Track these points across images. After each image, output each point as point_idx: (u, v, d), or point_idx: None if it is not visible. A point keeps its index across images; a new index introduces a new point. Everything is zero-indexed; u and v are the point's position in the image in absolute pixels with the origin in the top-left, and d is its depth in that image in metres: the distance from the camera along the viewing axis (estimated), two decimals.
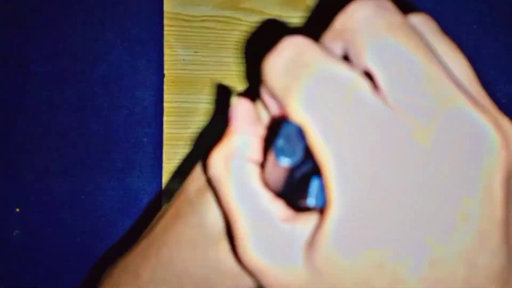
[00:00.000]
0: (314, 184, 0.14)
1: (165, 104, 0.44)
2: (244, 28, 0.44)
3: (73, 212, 0.45)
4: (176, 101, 0.44)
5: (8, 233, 0.45)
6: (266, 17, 0.44)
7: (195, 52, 0.44)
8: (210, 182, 0.21)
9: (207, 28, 0.44)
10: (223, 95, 0.44)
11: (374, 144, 0.13)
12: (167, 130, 0.44)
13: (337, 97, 0.13)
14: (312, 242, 0.14)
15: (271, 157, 0.15)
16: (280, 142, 0.14)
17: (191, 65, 0.44)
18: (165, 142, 0.44)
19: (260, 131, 0.18)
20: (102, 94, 0.45)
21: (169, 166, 0.44)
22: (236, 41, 0.44)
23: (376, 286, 0.13)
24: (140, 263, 0.24)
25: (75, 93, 0.45)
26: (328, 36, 0.17)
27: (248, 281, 0.21)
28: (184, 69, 0.44)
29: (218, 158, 0.18)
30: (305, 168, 0.15)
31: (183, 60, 0.44)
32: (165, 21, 0.44)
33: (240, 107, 0.18)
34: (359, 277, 0.13)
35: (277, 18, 0.44)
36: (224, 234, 0.21)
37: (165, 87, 0.44)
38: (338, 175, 0.13)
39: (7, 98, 0.45)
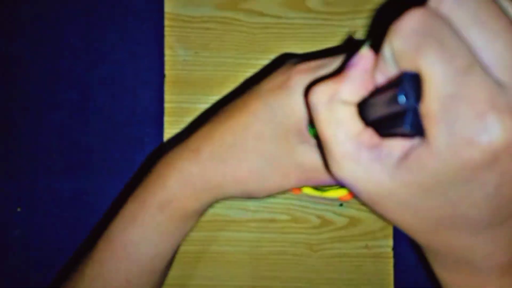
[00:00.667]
0: (409, 116, 0.17)
1: (165, 104, 0.44)
2: (244, 29, 0.45)
3: (74, 211, 0.45)
4: (176, 102, 0.44)
5: (9, 233, 0.45)
6: (266, 17, 0.44)
7: (196, 52, 0.44)
8: (307, 102, 0.23)
9: (208, 29, 0.44)
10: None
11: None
12: (168, 130, 0.44)
13: (458, 65, 0.16)
14: (412, 160, 0.18)
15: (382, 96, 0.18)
16: (405, 86, 0.17)
17: (192, 65, 0.44)
18: (165, 142, 0.44)
19: (369, 87, 0.20)
20: (103, 95, 0.45)
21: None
22: (236, 42, 0.45)
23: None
24: (203, 141, 0.27)
25: (76, 93, 0.45)
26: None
27: (290, 182, 0.25)
28: (185, 70, 0.44)
29: (323, 93, 0.20)
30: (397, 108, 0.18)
31: (184, 60, 0.44)
32: (166, 22, 0.44)
33: (365, 58, 0.20)
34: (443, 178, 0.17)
35: (277, 19, 0.45)
36: (291, 132, 0.24)
37: (165, 88, 0.44)
38: (444, 122, 0.16)
39: (7, 98, 0.45)
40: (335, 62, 0.24)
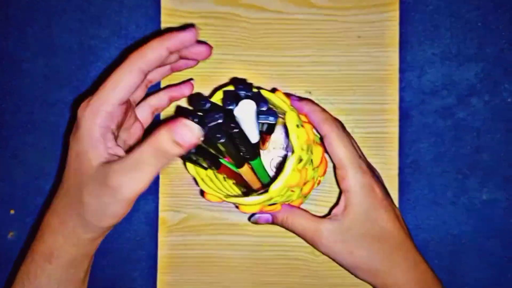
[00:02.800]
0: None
1: None
2: (243, 24, 0.43)
3: None
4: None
5: (3, 235, 0.45)
6: (267, 13, 0.43)
7: None
8: None
9: (206, 24, 0.43)
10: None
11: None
12: None
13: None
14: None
15: None
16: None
17: None
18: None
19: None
20: None
21: (166, 167, 0.43)
22: (235, 38, 0.43)
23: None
24: (60, 211, 0.32)
25: (70, 91, 0.44)
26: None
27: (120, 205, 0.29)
28: None
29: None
30: None
31: None
32: (162, 18, 0.43)
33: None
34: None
35: (278, 14, 0.43)
36: (93, 166, 0.29)
37: (162, 84, 0.43)
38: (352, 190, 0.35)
39: (0, 97, 0.44)
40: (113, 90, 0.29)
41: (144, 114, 0.36)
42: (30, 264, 0.32)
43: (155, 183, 0.43)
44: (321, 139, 0.37)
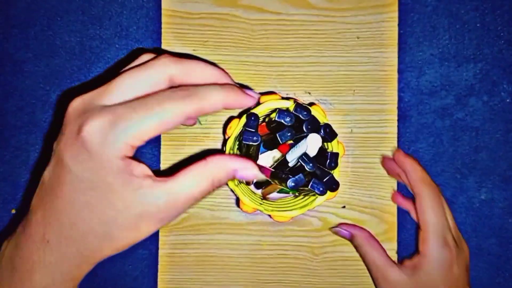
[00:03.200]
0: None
1: None
2: (243, 25, 0.43)
3: None
4: None
5: (4, 235, 0.45)
6: (266, 14, 0.43)
7: (194, 50, 0.44)
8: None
9: (206, 25, 0.43)
10: None
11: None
12: None
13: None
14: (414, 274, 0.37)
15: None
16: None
17: None
18: (162, 142, 0.43)
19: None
20: None
21: (166, 166, 0.43)
22: (235, 39, 0.44)
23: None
24: (45, 230, 0.26)
25: (72, 92, 0.45)
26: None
27: (141, 232, 0.25)
28: None
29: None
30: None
31: None
32: (163, 19, 0.43)
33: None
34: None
35: (277, 15, 0.43)
36: (116, 193, 0.24)
37: None
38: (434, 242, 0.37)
39: (1, 97, 0.45)
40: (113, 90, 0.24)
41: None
42: None
43: None
44: (413, 198, 0.39)
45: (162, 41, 0.43)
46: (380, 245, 0.40)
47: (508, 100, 0.44)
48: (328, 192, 0.33)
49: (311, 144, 0.34)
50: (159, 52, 0.34)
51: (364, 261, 0.40)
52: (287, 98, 0.36)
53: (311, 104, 0.40)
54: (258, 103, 0.34)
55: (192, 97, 0.23)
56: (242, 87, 0.28)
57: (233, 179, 0.25)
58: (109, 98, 0.24)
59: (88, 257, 0.26)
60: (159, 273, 0.44)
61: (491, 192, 0.44)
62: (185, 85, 0.24)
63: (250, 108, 0.34)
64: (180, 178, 0.24)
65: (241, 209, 0.37)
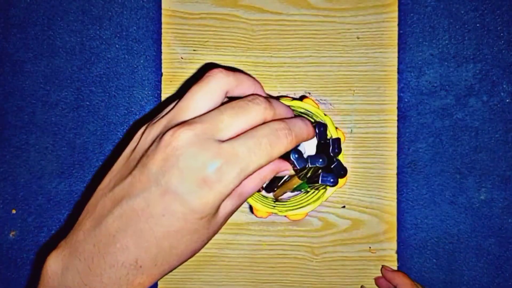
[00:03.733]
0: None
1: (163, 103, 0.44)
2: (243, 25, 0.44)
3: (69, 213, 0.45)
4: (174, 101, 0.43)
5: (5, 234, 0.45)
6: (266, 14, 0.43)
7: (194, 50, 0.44)
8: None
9: (206, 25, 0.44)
10: None
11: None
12: None
13: None
14: None
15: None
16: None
17: (189, 63, 0.44)
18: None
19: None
20: (99, 93, 0.44)
21: None
22: (235, 39, 0.44)
23: None
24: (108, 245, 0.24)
25: (72, 92, 0.45)
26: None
27: (205, 241, 0.25)
28: (182, 68, 0.43)
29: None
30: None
31: (181, 58, 0.43)
32: (163, 19, 0.43)
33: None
34: None
35: (277, 15, 0.43)
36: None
37: (163, 86, 0.44)
38: None
39: (2, 97, 0.45)
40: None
41: None
42: None
43: None
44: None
45: (162, 41, 0.43)
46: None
47: (507, 100, 0.44)
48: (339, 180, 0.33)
49: (308, 143, 0.33)
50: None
51: None
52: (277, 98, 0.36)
53: (303, 97, 0.40)
54: None
55: (292, 133, 0.25)
56: None
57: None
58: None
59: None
60: None
61: (491, 192, 0.44)
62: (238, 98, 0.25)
63: None
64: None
65: (256, 215, 0.37)
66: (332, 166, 0.32)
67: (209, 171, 0.22)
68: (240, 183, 0.23)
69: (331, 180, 0.32)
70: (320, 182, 0.31)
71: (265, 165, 0.24)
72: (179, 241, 0.24)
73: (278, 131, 0.24)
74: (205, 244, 0.25)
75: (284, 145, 0.24)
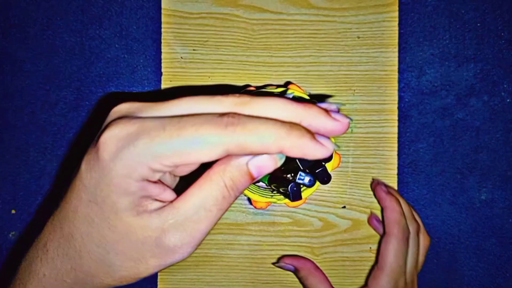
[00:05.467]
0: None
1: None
2: (243, 25, 0.43)
3: None
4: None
5: (4, 235, 0.45)
6: (266, 13, 0.43)
7: (194, 50, 0.43)
8: None
9: (206, 25, 0.43)
10: None
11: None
12: None
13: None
14: None
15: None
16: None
17: (190, 63, 0.43)
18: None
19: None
20: (99, 93, 0.44)
21: None
22: (235, 39, 0.43)
23: None
24: (48, 237, 0.24)
25: (71, 92, 0.44)
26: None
27: (147, 265, 0.22)
28: (182, 67, 0.43)
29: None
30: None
31: (181, 58, 0.43)
32: (163, 18, 0.43)
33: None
34: None
35: (277, 15, 0.43)
36: (120, 208, 0.20)
37: (162, 86, 0.43)
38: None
39: (1, 97, 0.45)
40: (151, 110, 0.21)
41: None
42: None
43: None
44: (382, 236, 0.40)
45: (162, 41, 0.43)
46: (325, 276, 0.41)
47: (508, 100, 0.44)
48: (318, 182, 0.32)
49: None
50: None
51: None
52: (262, 87, 0.35)
53: (288, 83, 0.40)
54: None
55: (238, 126, 0.19)
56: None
57: (251, 178, 0.21)
58: (154, 113, 0.20)
59: (83, 281, 0.23)
60: (159, 274, 0.44)
61: (491, 192, 0.44)
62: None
63: None
64: (187, 196, 0.21)
65: (255, 207, 0.37)
66: (316, 171, 0.30)
67: None
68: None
69: (309, 180, 0.29)
70: (297, 180, 0.29)
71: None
72: None
73: (218, 116, 0.19)
74: None
75: (215, 131, 0.19)
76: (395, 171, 0.43)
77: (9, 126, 0.45)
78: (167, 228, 0.20)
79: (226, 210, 0.21)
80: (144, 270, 0.22)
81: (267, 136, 0.19)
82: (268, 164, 0.20)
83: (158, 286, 0.44)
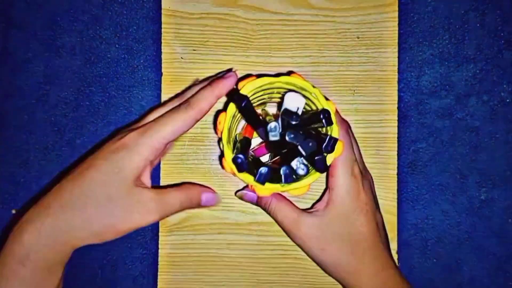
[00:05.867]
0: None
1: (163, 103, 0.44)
2: (243, 25, 0.44)
3: None
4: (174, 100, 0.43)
5: (4, 235, 0.45)
6: (266, 14, 0.43)
7: (194, 50, 0.44)
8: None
9: (206, 25, 0.44)
10: None
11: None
12: None
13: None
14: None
15: None
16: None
17: (190, 63, 0.43)
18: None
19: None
20: (99, 93, 0.44)
21: (166, 166, 0.43)
22: (235, 39, 0.44)
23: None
24: (53, 198, 0.32)
25: (72, 92, 0.45)
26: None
27: (138, 220, 0.32)
28: (182, 68, 0.43)
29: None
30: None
31: (181, 58, 0.43)
32: (163, 19, 0.43)
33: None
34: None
35: (277, 15, 0.43)
36: (129, 178, 0.32)
37: (163, 86, 0.44)
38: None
39: (2, 97, 0.45)
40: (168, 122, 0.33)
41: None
42: (2, 267, 0.30)
43: (156, 182, 0.44)
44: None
45: (162, 41, 0.43)
46: (287, 199, 0.38)
47: (508, 100, 0.44)
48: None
49: (290, 103, 0.33)
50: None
51: (276, 221, 0.38)
52: (262, 76, 0.35)
53: (290, 72, 0.40)
54: (236, 89, 0.35)
55: (192, 106, 0.33)
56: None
57: (198, 206, 0.35)
58: (149, 118, 0.35)
59: (77, 227, 0.31)
60: (159, 273, 0.44)
61: (491, 192, 0.44)
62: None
63: (232, 96, 0.34)
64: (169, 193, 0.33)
65: (259, 195, 0.36)
66: (316, 157, 0.31)
67: None
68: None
69: (302, 169, 0.32)
70: (292, 164, 0.32)
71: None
72: None
73: (179, 107, 0.33)
74: None
75: (183, 116, 0.33)
76: (395, 171, 0.43)
77: (10, 126, 0.45)
78: (151, 199, 0.32)
79: (183, 209, 0.34)
80: (132, 220, 0.31)
81: (208, 99, 0.33)
82: (212, 201, 0.36)
83: (158, 286, 0.44)
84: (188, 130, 0.33)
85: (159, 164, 0.44)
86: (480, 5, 0.44)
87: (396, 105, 0.43)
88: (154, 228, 0.44)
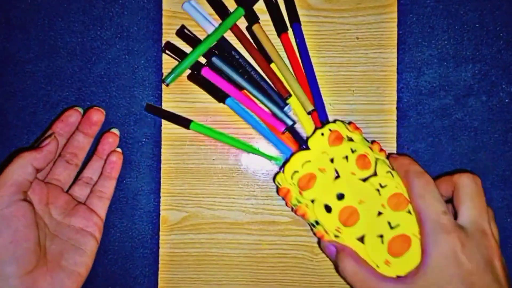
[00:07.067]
0: None
1: (163, 104, 0.44)
2: (243, 26, 0.44)
3: None
4: (174, 101, 0.44)
5: None
6: (266, 14, 0.44)
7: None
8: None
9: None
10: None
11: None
12: (166, 130, 0.44)
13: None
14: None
15: None
16: None
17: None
18: (163, 142, 0.44)
19: None
20: (100, 93, 0.45)
21: (167, 166, 0.44)
22: (235, 39, 0.44)
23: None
24: None
25: (73, 92, 0.45)
26: (444, 181, 0.36)
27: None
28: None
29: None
30: None
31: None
32: (164, 20, 0.44)
33: None
34: None
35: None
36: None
37: (163, 86, 0.44)
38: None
39: (3, 98, 0.45)
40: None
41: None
42: None
43: (156, 182, 0.44)
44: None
45: (163, 41, 0.44)
46: (366, 262, 0.34)
47: (507, 101, 0.44)
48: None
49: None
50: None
51: (350, 280, 0.33)
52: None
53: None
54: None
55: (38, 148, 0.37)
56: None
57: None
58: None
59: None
60: (159, 272, 0.44)
61: (490, 192, 0.44)
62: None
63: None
64: None
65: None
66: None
67: None
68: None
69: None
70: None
71: None
72: None
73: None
74: None
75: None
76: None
77: (11, 126, 0.45)
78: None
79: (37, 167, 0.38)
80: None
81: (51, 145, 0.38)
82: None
83: (159, 285, 0.44)
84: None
85: (159, 164, 0.44)
86: (479, 6, 0.44)
87: (395, 105, 0.43)
88: (154, 227, 0.45)
